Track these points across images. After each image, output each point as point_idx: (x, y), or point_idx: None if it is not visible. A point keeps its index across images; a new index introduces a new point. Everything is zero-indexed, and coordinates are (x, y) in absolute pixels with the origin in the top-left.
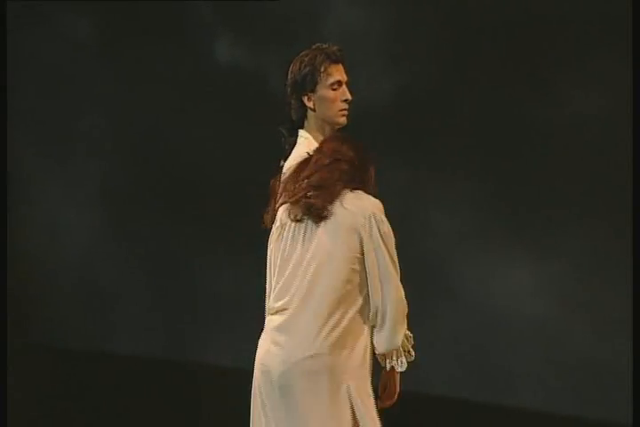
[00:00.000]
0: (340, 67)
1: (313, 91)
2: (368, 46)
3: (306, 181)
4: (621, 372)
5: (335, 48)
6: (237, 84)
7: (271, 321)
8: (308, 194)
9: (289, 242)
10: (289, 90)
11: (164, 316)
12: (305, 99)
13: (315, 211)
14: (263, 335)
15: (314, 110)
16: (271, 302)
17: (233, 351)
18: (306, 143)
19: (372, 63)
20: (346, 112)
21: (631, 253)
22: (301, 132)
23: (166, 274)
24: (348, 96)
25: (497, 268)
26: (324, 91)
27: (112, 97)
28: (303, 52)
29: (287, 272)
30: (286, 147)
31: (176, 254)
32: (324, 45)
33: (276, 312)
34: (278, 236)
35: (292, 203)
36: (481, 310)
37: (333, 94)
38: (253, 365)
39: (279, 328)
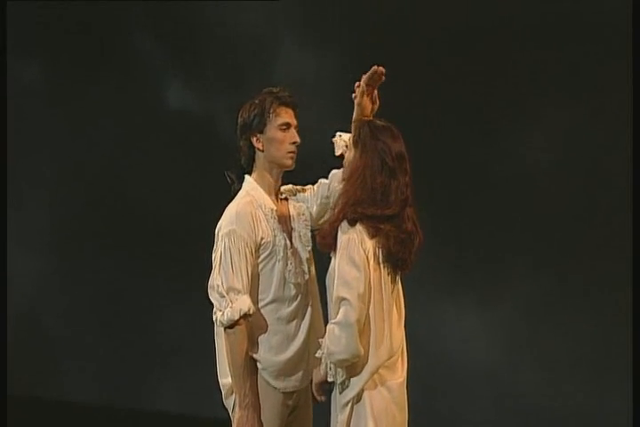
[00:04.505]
0: (290, 110)
1: (262, 132)
2: (316, 91)
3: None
4: (569, 416)
5: (286, 93)
6: (187, 128)
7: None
8: None
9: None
10: (239, 132)
11: (111, 362)
12: (254, 140)
13: None
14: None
15: (262, 151)
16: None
17: (180, 397)
18: (247, 187)
19: (321, 108)
20: (294, 155)
21: (579, 298)
22: (246, 177)
23: (114, 319)
24: (297, 139)
25: (445, 312)
26: (272, 131)
27: (62, 140)
28: (255, 96)
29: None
30: (233, 193)
31: (124, 299)
32: (275, 89)
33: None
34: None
35: None
36: (430, 354)
37: (282, 135)
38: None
39: None
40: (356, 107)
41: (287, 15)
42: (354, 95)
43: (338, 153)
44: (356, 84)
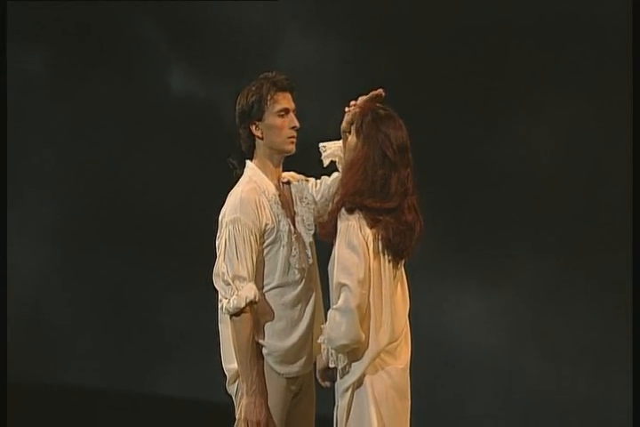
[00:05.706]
0: (288, 95)
1: (260, 119)
2: (320, 78)
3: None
4: (571, 402)
5: (282, 77)
6: (190, 116)
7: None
8: None
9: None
10: (237, 120)
11: (113, 348)
12: (253, 128)
13: None
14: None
15: (262, 139)
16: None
17: (182, 382)
18: (249, 173)
19: (324, 94)
20: (294, 139)
21: (581, 284)
22: (248, 163)
23: (116, 307)
24: (296, 123)
25: (449, 298)
26: (271, 118)
27: (63, 133)
28: (251, 83)
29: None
30: (235, 178)
31: (126, 288)
32: (271, 74)
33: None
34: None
35: None
36: (431, 343)
37: (281, 121)
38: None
39: None
40: (344, 123)
41: (291, 4)
42: (347, 109)
43: (326, 164)
44: (352, 102)
